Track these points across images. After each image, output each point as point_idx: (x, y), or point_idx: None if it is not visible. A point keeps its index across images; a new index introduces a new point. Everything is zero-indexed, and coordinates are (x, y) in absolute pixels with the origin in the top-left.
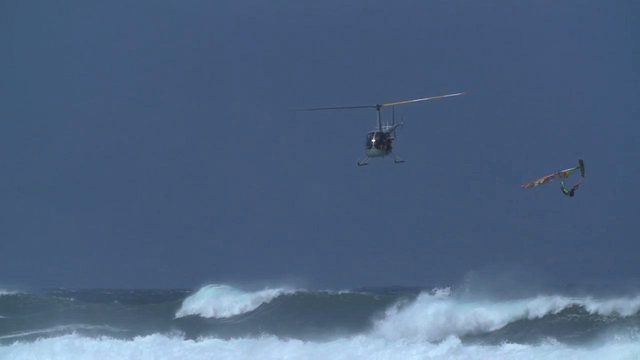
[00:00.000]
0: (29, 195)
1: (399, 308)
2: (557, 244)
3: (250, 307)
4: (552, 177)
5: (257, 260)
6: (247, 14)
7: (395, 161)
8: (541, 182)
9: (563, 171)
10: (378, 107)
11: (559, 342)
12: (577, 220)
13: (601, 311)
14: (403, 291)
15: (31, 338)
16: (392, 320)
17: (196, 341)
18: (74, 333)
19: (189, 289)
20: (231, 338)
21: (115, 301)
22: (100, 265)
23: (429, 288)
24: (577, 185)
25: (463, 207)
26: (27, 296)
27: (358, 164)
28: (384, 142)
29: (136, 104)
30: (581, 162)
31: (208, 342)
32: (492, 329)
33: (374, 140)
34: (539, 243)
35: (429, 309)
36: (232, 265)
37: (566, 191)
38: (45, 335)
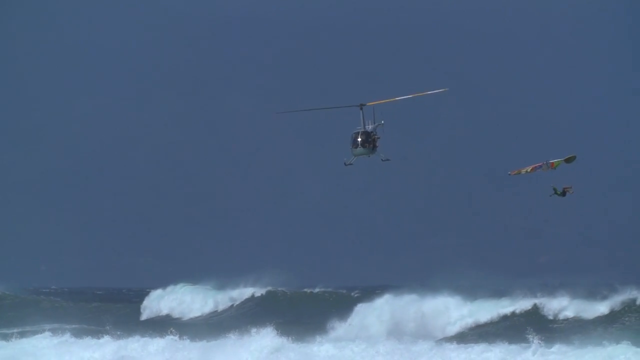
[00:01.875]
0: (23, 193)
1: (360, 306)
2: (550, 242)
3: (221, 306)
4: (540, 166)
5: (243, 259)
6: (238, 15)
7: (381, 160)
8: (528, 170)
9: (551, 161)
10: (361, 107)
11: (526, 343)
12: (571, 219)
13: (568, 312)
14: (389, 289)
15: (6, 337)
16: (350, 320)
17: (153, 339)
18: (45, 332)
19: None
20: (188, 338)
21: (93, 303)
22: (92, 264)
23: (416, 287)
24: (569, 188)
25: (455, 205)
26: (7, 295)
27: (344, 163)
28: (370, 141)
29: (128, 103)
30: (574, 156)
31: (166, 342)
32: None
33: (359, 140)
34: (532, 241)
35: (382, 308)
36: (224, 264)
37: (558, 193)
38: (21, 335)
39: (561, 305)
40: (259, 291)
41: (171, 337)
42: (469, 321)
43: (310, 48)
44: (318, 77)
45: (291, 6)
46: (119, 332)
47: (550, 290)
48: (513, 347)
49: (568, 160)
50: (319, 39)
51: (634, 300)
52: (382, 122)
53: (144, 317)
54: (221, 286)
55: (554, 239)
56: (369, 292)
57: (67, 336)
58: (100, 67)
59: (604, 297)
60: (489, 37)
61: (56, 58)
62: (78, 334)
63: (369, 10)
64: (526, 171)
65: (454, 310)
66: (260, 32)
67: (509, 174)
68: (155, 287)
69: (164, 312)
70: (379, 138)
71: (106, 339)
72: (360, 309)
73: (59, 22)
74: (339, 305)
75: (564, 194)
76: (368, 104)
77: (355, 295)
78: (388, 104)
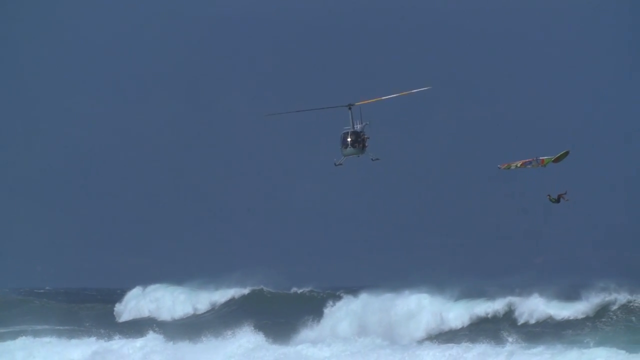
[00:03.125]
0: (19, 194)
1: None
2: (547, 243)
3: (203, 307)
4: (529, 162)
5: (229, 259)
6: (233, 15)
7: (371, 159)
8: (518, 165)
9: (541, 158)
10: (349, 107)
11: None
12: (567, 219)
13: (547, 312)
14: (373, 289)
15: None
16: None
17: (134, 339)
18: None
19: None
20: (167, 339)
21: (73, 304)
22: (89, 265)
23: (400, 287)
24: (564, 194)
25: (450, 206)
26: None
27: (334, 164)
28: (359, 141)
29: (122, 103)
30: (567, 152)
31: (145, 343)
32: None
33: (349, 140)
34: (528, 242)
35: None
36: (210, 264)
37: (553, 200)
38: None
39: (540, 306)
40: (241, 291)
41: (151, 337)
42: (448, 322)
43: (304, 48)
44: (308, 78)
45: (284, 6)
46: (101, 331)
47: (534, 290)
48: (490, 348)
49: (558, 159)
50: (312, 39)
51: (614, 302)
52: (368, 122)
53: (124, 317)
54: (204, 286)
55: (550, 240)
56: (353, 292)
57: (41, 337)
58: (96, 68)
59: (586, 298)
60: (483, 37)
61: (54, 58)
62: (54, 334)
63: (362, 10)
64: (516, 166)
65: (433, 311)
66: (254, 33)
67: (499, 167)
68: (146, 287)
69: (145, 312)
70: (368, 138)
71: (83, 339)
72: (339, 309)
73: (56, 22)
74: (320, 305)
75: (558, 200)
76: (356, 104)
77: (339, 295)
78: (378, 104)
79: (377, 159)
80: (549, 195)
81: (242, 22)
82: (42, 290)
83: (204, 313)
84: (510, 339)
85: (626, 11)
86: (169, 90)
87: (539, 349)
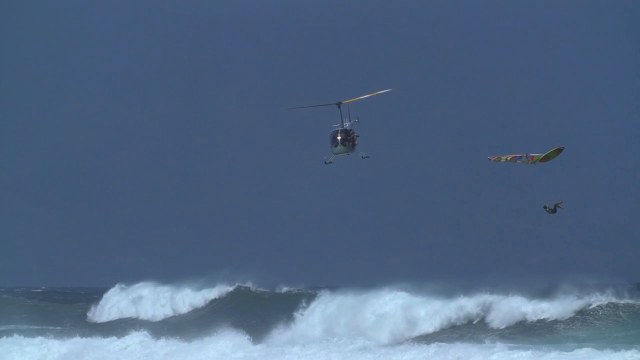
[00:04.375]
0: (16, 194)
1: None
2: (543, 243)
3: (185, 307)
4: (520, 157)
5: (218, 258)
6: (230, 15)
7: (361, 157)
8: (508, 159)
9: (531, 154)
10: (339, 105)
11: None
12: (563, 219)
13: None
14: (358, 288)
15: None
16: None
17: (118, 339)
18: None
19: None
20: (148, 338)
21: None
22: (85, 264)
23: (395, 285)
24: (560, 203)
25: (447, 205)
26: None
27: (325, 162)
28: (349, 139)
29: (118, 104)
30: (558, 149)
31: (126, 342)
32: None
33: (339, 138)
34: (524, 242)
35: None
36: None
37: (549, 210)
38: None
39: (523, 305)
40: (227, 289)
41: (133, 336)
42: (429, 321)
43: (301, 47)
44: (304, 77)
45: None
46: (82, 331)
47: (519, 289)
48: (474, 347)
49: (547, 158)
50: (311, 38)
51: (597, 301)
52: (357, 119)
53: (106, 317)
54: (191, 284)
55: (547, 240)
56: (338, 290)
57: (13, 336)
58: (91, 68)
59: (570, 298)
60: (477, 35)
61: (45, 60)
62: (26, 333)
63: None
64: (506, 159)
65: (415, 310)
66: (259, 33)
67: (489, 159)
68: (130, 285)
69: (127, 311)
70: (358, 136)
71: (62, 339)
72: (317, 308)
73: (50, 24)
74: (303, 304)
75: (554, 210)
76: (344, 102)
77: (321, 295)
78: (367, 103)
79: (367, 157)
80: (545, 207)
81: (239, 22)
82: (39, 290)
83: (188, 312)
84: (489, 338)
85: (624, 8)
86: (159, 90)
87: (521, 348)
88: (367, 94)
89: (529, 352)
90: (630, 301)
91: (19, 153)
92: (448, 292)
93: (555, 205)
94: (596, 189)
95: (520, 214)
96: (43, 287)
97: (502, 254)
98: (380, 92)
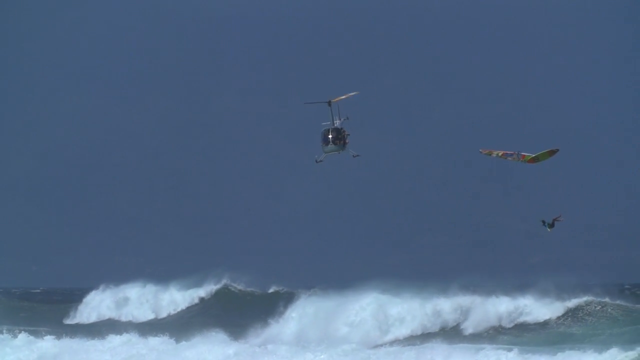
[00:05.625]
0: (16, 194)
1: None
2: (543, 243)
3: (167, 308)
4: (511, 154)
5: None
6: (230, 15)
7: (352, 156)
8: (499, 154)
9: (522, 153)
10: (329, 103)
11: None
12: (565, 219)
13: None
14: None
15: None
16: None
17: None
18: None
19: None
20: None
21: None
22: (84, 265)
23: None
24: (558, 217)
25: (446, 205)
26: None
27: (315, 161)
28: (340, 138)
29: (117, 102)
30: (551, 151)
31: (105, 344)
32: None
33: (330, 136)
34: (524, 242)
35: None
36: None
37: (548, 225)
38: None
39: (511, 307)
40: (211, 289)
41: (114, 337)
42: (411, 321)
43: (298, 46)
44: (299, 76)
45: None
46: (62, 332)
47: (502, 290)
48: (456, 347)
49: (536, 159)
50: (308, 36)
51: (590, 303)
52: (347, 117)
53: (87, 318)
54: (178, 284)
55: (546, 239)
56: (322, 291)
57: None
58: (88, 67)
59: (561, 299)
60: (472, 33)
61: (42, 58)
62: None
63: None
64: (497, 154)
65: (397, 310)
66: (255, 32)
67: (480, 151)
68: (118, 286)
69: (108, 312)
70: (349, 134)
71: (37, 339)
72: (300, 308)
73: (48, 22)
74: (283, 305)
75: (552, 225)
76: (333, 100)
77: (307, 296)
78: (368, 101)
79: (358, 155)
80: (543, 221)
81: (239, 22)
82: (37, 290)
83: (176, 312)
84: (470, 338)
85: (623, 8)
86: (164, 87)
87: (507, 348)
88: (347, 94)
89: (515, 352)
90: (622, 302)
91: (17, 153)
92: (437, 292)
93: (554, 220)
94: (596, 189)
95: (521, 214)
96: (41, 288)
97: (501, 253)
98: (346, 95)
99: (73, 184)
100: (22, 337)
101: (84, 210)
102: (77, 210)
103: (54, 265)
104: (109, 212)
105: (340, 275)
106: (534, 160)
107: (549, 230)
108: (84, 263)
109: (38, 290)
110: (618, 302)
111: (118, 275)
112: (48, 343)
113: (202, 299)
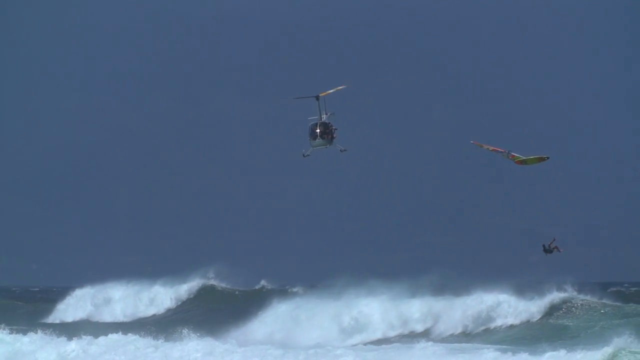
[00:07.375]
0: (16, 193)
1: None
2: (543, 243)
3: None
4: (501, 152)
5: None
6: (229, 15)
7: (339, 150)
8: (490, 149)
9: (512, 153)
10: (317, 98)
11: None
12: (563, 218)
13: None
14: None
15: None
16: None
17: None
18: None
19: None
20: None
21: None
22: (83, 264)
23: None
24: (557, 247)
25: (446, 203)
26: None
27: (302, 155)
28: (328, 132)
29: (117, 102)
30: (540, 158)
31: (76, 345)
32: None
33: (318, 131)
34: (523, 240)
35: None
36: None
37: (546, 250)
38: None
39: (496, 305)
40: (195, 286)
41: (87, 338)
42: (405, 321)
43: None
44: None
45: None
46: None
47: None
48: (442, 347)
49: (524, 162)
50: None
51: (570, 299)
52: (333, 112)
53: (71, 317)
54: (164, 281)
55: (547, 239)
56: (310, 289)
57: None
58: (88, 66)
59: (543, 297)
60: (468, 32)
61: (42, 57)
62: None
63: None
64: (487, 148)
65: (387, 310)
66: (252, 31)
67: (471, 143)
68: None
69: (88, 311)
70: (336, 129)
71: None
72: (283, 306)
73: (46, 22)
74: (267, 303)
75: (551, 251)
76: (322, 94)
77: (294, 292)
78: (365, 99)
79: (345, 150)
80: (543, 245)
81: (238, 22)
82: (36, 289)
83: (165, 310)
84: (455, 338)
85: (622, 9)
86: (162, 86)
87: (490, 349)
88: (336, 87)
89: (497, 353)
90: (609, 301)
91: (17, 152)
92: (423, 291)
93: (553, 248)
94: (596, 188)
95: (521, 213)
96: (40, 286)
97: (500, 252)
98: (333, 89)
99: (74, 183)
100: None
101: (84, 209)
102: (77, 209)
103: (54, 264)
104: (108, 212)
105: (328, 273)
106: (522, 162)
107: (545, 255)
108: (84, 262)
109: (37, 289)
110: (604, 300)
111: (113, 274)
112: (26, 339)
113: (187, 298)
